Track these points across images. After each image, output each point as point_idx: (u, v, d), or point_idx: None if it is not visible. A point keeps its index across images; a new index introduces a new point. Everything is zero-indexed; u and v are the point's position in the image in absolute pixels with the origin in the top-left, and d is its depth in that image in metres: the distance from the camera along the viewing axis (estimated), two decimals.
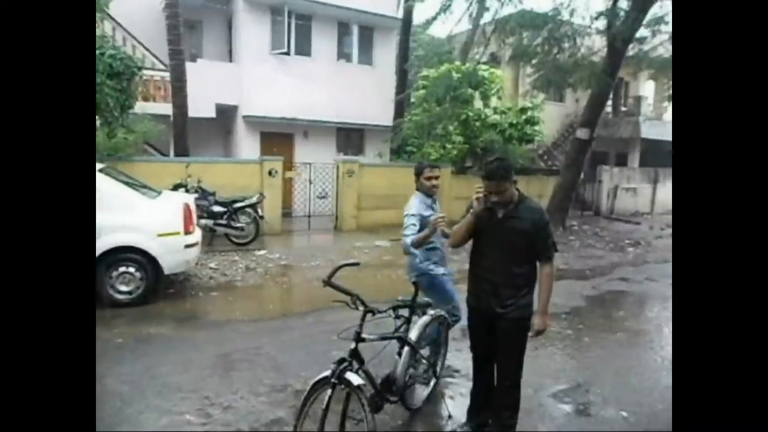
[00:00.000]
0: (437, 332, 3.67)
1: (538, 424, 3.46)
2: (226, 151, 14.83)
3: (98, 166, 5.78)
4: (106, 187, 5.44)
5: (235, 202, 9.08)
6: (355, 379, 2.60)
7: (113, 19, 11.33)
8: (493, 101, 14.15)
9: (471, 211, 2.92)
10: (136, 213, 5.69)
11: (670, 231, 13.37)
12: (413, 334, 3.22)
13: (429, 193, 3.78)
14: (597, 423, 3.52)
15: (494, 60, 16.35)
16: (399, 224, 11.67)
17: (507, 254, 2.87)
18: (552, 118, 17.28)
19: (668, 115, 19.72)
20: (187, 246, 5.99)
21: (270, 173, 10.47)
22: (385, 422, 3.28)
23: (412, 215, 3.59)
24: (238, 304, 6.05)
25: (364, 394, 2.61)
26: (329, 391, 2.57)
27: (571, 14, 11.43)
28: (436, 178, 3.79)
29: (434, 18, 12.46)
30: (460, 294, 3.45)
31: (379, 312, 2.82)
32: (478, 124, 13.64)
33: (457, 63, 13.29)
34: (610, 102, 16.88)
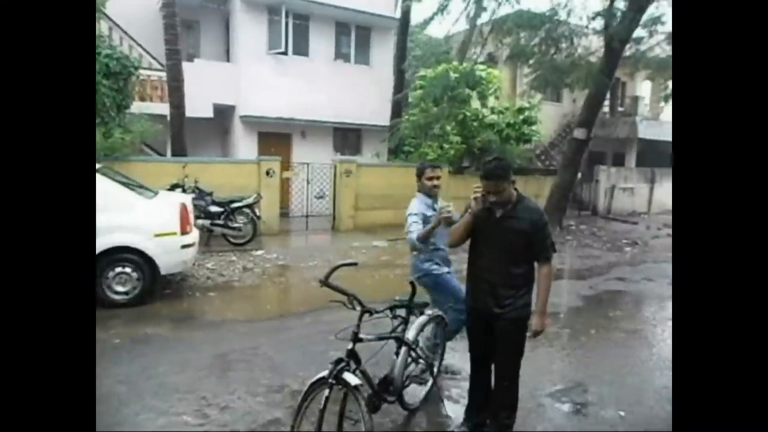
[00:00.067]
0: (440, 336, 3.68)
1: (536, 423, 3.45)
2: (223, 151, 14.80)
3: None
4: (102, 187, 5.42)
5: (232, 202, 9.07)
6: (352, 379, 2.60)
7: (110, 18, 11.29)
8: (491, 101, 14.17)
9: (469, 210, 2.92)
10: (132, 213, 5.67)
11: (667, 231, 13.41)
12: (410, 334, 3.22)
13: (430, 193, 3.79)
14: (594, 423, 3.52)
15: (491, 60, 16.35)
16: (396, 224, 11.68)
17: (505, 254, 2.86)
18: (549, 118, 17.31)
19: (665, 116, 19.76)
20: (184, 246, 5.97)
21: (267, 173, 10.46)
22: (383, 422, 3.27)
23: (414, 214, 3.62)
24: (236, 305, 6.04)
25: (361, 394, 2.60)
26: (326, 392, 2.57)
27: (569, 14, 11.45)
28: (437, 178, 3.80)
29: (432, 18, 12.47)
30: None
31: (377, 312, 2.82)
32: (475, 124, 13.66)
33: (455, 63, 13.29)
34: (607, 102, 16.91)
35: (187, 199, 6.62)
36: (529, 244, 2.84)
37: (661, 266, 9.17)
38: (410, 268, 3.95)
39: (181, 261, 6.05)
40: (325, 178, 11.83)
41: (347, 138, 15.23)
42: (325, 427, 2.59)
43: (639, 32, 11.92)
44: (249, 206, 9.23)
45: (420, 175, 3.83)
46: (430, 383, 3.62)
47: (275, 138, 13.92)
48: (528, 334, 2.92)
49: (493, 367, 3.05)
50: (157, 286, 6.00)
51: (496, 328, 2.91)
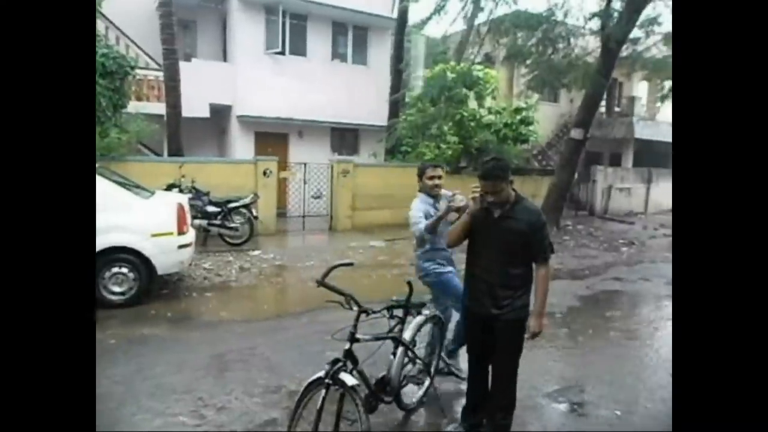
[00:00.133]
0: (437, 336, 3.69)
1: (533, 424, 3.46)
2: (220, 151, 14.78)
3: None
4: (99, 187, 5.38)
5: (229, 202, 9.05)
6: (349, 379, 2.60)
7: (106, 18, 11.26)
8: (488, 101, 14.18)
9: (467, 210, 2.91)
10: (129, 213, 5.66)
11: (663, 231, 13.45)
12: (407, 335, 3.22)
13: (431, 193, 3.78)
14: (591, 422, 3.53)
15: (489, 60, 16.38)
16: (394, 224, 11.64)
17: (503, 255, 2.85)
18: (546, 118, 17.34)
19: (661, 116, 19.83)
20: (181, 246, 5.96)
21: (264, 173, 10.44)
22: (380, 423, 3.27)
23: (417, 213, 3.63)
24: (233, 305, 6.02)
25: (358, 394, 2.60)
26: (323, 392, 2.57)
27: (566, 15, 11.47)
28: (439, 177, 3.79)
29: (429, 18, 12.46)
30: None
31: (374, 312, 2.81)
32: (472, 124, 13.66)
33: (452, 63, 13.30)
34: (603, 102, 16.95)
35: (184, 199, 6.60)
36: (526, 244, 2.83)
37: (657, 266, 9.19)
38: (415, 268, 3.98)
39: (178, 261, 6.04)
40: (323, 178, 11.82)
41: (344, 138, 15.23)
42: (322, 428, 2.59)
43: (636, 33, 11.96)
44: (246, 206, 9.21)
45: (421, 174, 3.83)
46: (427, 383, 3.62)
47: (272, 138, 13.90)
48: (526, 335, 2.91)
49: (490, 367, 3.04)
50: (153, 286, 5.98)
51: (494, 329, 2.90)
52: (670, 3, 11.70)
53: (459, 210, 3.24)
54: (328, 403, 2.58)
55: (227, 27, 14.25)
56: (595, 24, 11.64)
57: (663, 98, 15.23)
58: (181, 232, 5.94)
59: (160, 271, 5.83)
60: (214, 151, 14.60)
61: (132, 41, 12.11)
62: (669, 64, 13.04)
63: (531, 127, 14.36)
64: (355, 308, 2.73)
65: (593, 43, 12.55)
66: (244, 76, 13.15)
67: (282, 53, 13.48)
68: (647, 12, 11.51)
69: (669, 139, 18.75)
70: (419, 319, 3.37)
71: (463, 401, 3.33)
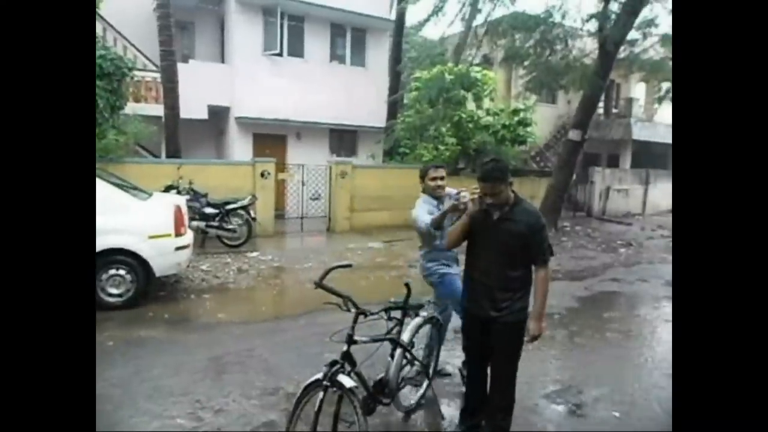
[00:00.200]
0: (435, 338, 3.68)
1: (531, 424, 3.46)
2: (218, 152, 14.77)
3: None
4: (96, 189, 5.39)
5: (227, 203, 9.04)
6: (347, 381, 2.59)
7: (104, 19, 11.26)
8: (486, 103, 14.20)
9: (466, 212, 2.91)
10: (126, 215, 5.64)
11: (661, 232, 13.48)
12: (405, 336, 3.22)
13: (434, 194, 3.76)
14: (589, 423, 3.53)
15: (487, 62, 16.40)
16: (392, 226, 11.64)
17: (502, 257, 2.84)
18: (544, 119, 17.36)
19: (659, 117, 19.88)
20: (179, 248, 5.95)
21: (262, 175, 10.43)
22: (378, 424, 3.26)
23: (420, 212, 3.62)
24: (230, 307, 6.01)
25: (356, 396, 2.60)
26: (321, 394, 2.56)
27: (563, 16, 11.49)
28: (441, 178, 3.76)
29: (427, 20, 12.49)
30: None
31: (371, 314, 2.80)
32: (470, 125, 13.67)
33: (450, 64, 13.32)
34: (601, 104, 16.98)
35: (182, 200, 6.59)
36: (525, 246, 2.81)
37: (655, 267, 9.21)
38: (419, 268, 4.00)
39: (176, 263, 6.02)
40: (321, 179, 11.82)
41: (343, 139, 15.23)
42: (320, 430, 2.58)
43: (633, 34, 11.99)
44: (244, 208, 9.20)
45: (423, 176, 3.82)
46: (425, 385, 3.62)
47: (270, 139, 13.89)
48: (525, 338, 2.90)
49: (489, 369, 3.04)
50: (151, 288, 5.96)
51: (493, 331, 2.89)
52: (667, 5, 11.76)
53: (456, 209, 3.19)
54: (326, 405, 2.57)
55: (225, 28, 14.26)
56: (593, 26, 11.67)
57: (660, 100, 15.27)
58: (178, 234, 5.93)
59: (157, 273, 5.82)
60: (212, 153, 14.59)
61: (130, 42, 12.11)
62: (666, 66, 13.09)
63: (529, 129, 14.37)
64: (353, 310, 2.73)
65: (591, 45, 12.58)
66: (242, 78, 13.15)
67: (280, 55, 13.49)
68: (644, 14, 11.56)
69: (666, 140, 18.83)
70: (417, 320, 3.36)
71: (461, 402, 3.33)
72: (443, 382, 3.98)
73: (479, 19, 12.28)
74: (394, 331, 3.18)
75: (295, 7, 13.47)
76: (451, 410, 3.57)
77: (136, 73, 10.58)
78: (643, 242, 12.00)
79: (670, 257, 10.05)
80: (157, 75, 11.46)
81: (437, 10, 11.98)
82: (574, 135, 12.10)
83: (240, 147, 13.46)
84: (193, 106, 12.08)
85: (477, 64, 14.10)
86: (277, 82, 13.35)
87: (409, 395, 3.53)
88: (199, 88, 12.32)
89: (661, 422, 3.59)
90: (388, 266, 8.22)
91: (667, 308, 6.55)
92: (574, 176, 14.07)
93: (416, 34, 19.03)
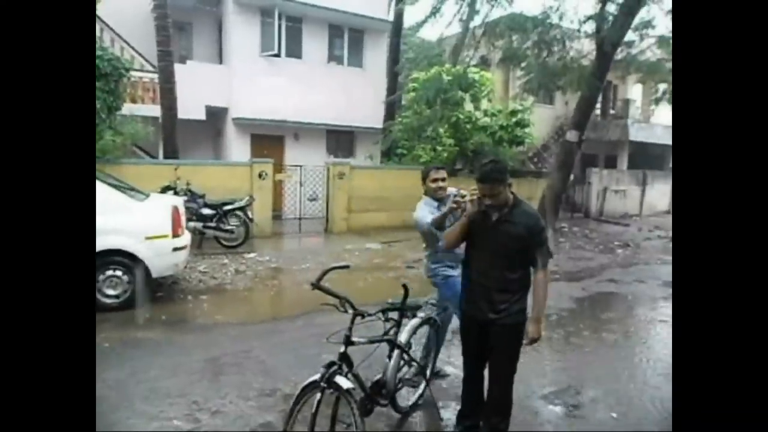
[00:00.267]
0: (432, 339, 3.68)
1: (529, 425, 3.45)
2: (215, 153, 14.75)
3: None
4: None
5: (224, 204, 9.02)
6: (344, 382, 2.58)
7: (101, 19, 11.22)
8: (484, 104, 14.22)
9: (464, 213, 2.89)
10: (123, 216, 5.62)
11: (658, 233, 13.51)
12: (403, 337, 3.21)
13: (436, 196, 3.71)
14: (587, 424, 3.53)
15: (484, 63, 16.41)
16: (390, 227, 11.64)
17: (500, 259, 2.82)
18: (542, 120, 17.39)
19: (656, 118, 19.93)
20: (176, 249, 5.93)
21: (260, 175, 10.42)
22: (375, 426, 3.26)
23: (421, 213, 3.61)
24: (228, 308, 6.00)
25: (353, 397, 2.59)
26: (318, 395, 2.55)
27: (560, 18, 11.49)
28: (443, 180, 3.71)
29: (425, 21, 12.48)
30: None
31: (369, 315, 2.80)
32: (468, 126, 13.69)
33: (448, 65, 13.32)
34: (599, 105, 17.00)
35: (179, 201, 6.58)
36: (524, 249, 2.79)
37: (652, 268, 9.24)
38: (423, 268, 4.01)
39: (173, 264, 6.01)
40: (318, 180, 11.81)
41: (340, 140, 15.22)
42: (317, 431, 2.58)
43: (630, 36, 12.00)
44: (241, 209, 9.19)
45: (425, 178, 3.77)
46: (422, 386, 3.61)
47: (268, 140, 13.88)
48: (525, 341, 2.89)
49: (486, 371, 3.03)
50: (148, 289, 5.95)
51: (491, 334, 2.88)
52: (664, 6, 11.79)
53: (455, 209, 3.17)
54: (324, 407, 2.56)
55: (223, 29, 14.25)
56: (590, 27, 11.67)
57: (657, 101, 15.28)
58: (176, 235, 5.91)
59: (154, 274, 5.80)
60: (209, 154, 14.57)
61: (127, 43, 12.09)
62: (663, 67, 13.11)
63: (526, 130, 14.40)
64: (351, 311, 2.72)
65: (588, 46, 12.59)
66: (240, 79, 13.14)
67: (278, 55, 13.47)
68: (641, 15, 11.56)
69: (663, 141, 18.88)
70: (415, 321, 3.36)
71: (458, 403, 3.32)
72: (440, 383, 3.98)
73: (477, 21, 12.26)
74: (392, 332, 3.17)
75: (292, 8, 13.47)
76: (448, 411, 3.56)
77: (134, 73, 10.57)
78: (641, 243, 12.04)
79: (667, 258, 10.08)
80: (155, 75, 11.44)
81: (435, 11, 11.97)
82: (571, 136, 12.11)
83: (237, 148, 13.45)
84: (190, 107, 12.06)
85: (475, 65, 14.09)
86: (275, 82, 13.34)
87: (407, 396, 3.53)
88: (197, 88, 12.30)
89: (658, 423, 3.60)
90: (386, 267, 8.21)
91: (663, 309, 6.56)
92: (572, 177, 14.09)
93: (414, 35, 19.02)
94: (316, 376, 2.59)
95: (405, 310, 3.20)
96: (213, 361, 4.36)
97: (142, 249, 5.63)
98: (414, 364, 3.43)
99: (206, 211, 8.86)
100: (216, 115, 13.86)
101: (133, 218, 5.69)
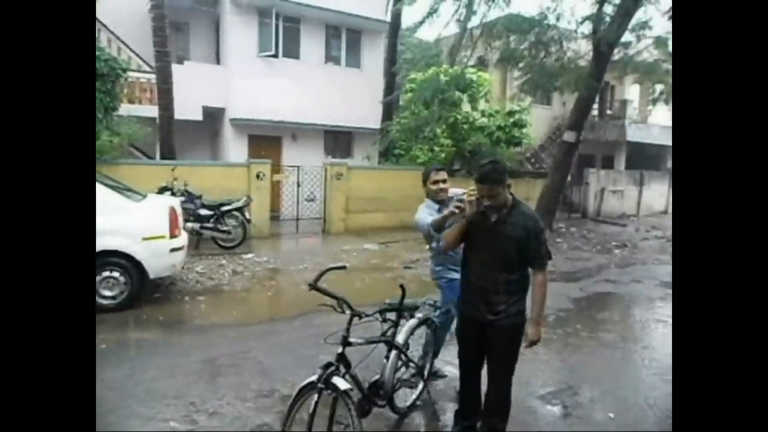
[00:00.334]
0: (432, 341, 3.67)
1: (526, 425, 3.45)
2: (213, 153, 14.72)
3: None
4: None
5: (222, 205, 9.01)
6: (342, 383, 2.58)
7: (98, 20, 11.19)
8: (481, 104, 14.23)
9: (463, 214, 2.89)
10: (120, 216, 5.61)
11: (655, 233, 13.54)
12: (400, 338, 3.21)
13: (436, 198, 3.67)
14: (585, 424, 3.53)
15: (482, 63, 16.42)
16: (387, 227, 11.64)
17: (499, 260, 2.81)
18: (539, 121, 17.42)
19: (653, 119, 19.97)
20: (173, 250, 5.92)
21: (258, 176, 10.40)
22: (373, 426, 3.25)
23: (422, 215, 3.57)
24: (225, 309, 5.99)
25: (351, 398, 2.59)
26: (316, 396, 2.55)
27: (558, 18, 11.52)
28: (443, 181, 3.67)
29: (422, 21, 12.49)
30: None
31: (366, 315, 2.80)
32: (465, 127, 13.71)
33: (445, 66, 13.34)
34: (596, 105, 17.03)
35: (176, 202, 6.56)
36: (523, 250, 2.77)
37: (649, 268, 9.25)
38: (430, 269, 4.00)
39: (170, 265, 6.00)
40: (316, 181, 11.80)
41: (338, 141, 15.22)
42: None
43: (627, 37, 12.04)
44: (239, 209, 9.17)
45: (425, 180, 3.73)
46: (420, 387, 3.61)
47: (265, 141, 13.87)
48: (524, 343, 2.88)
49: (485, 372, 3.03)
50: (145, 290, 5.94)
51: (490, 335, 2.87)
52: (661, 7, 11.83)
53: (455, 213, 3.16)
54: (321, 408, 2.56)
55: (220, 29, 14.23)
56: (587, 28, 11.71)
57: (654, 101, 15.31)
58: (173, 236, 5.90)
59: (151, 275, 5.79)
60: (207, 154, 14.54)
61: (124, 43, 12.05)
62: (660, 68, 13.15)
63: (524, 130, 14.42)
64: (348, 312, 2.72)
65: (585, 47, 12.62)
66: (237, 79, 13.12)
67: (275, 56, 13.46)
68: (638, 16, 11.60)
69: (660, 141, 18.93)
70: (412, 322, 3.36)
71: (456, 404, 3.32)
72: (438, 384, 3.98)
73: (474, 21, 12.29)
74: (389, 332, 3.17)
75: (290, 9, 13.46)
76: (446, 412, 3.56)
77: (131, 74, 10.55)
78: (638, 243, 12.06)
79: (664, 258, 10.11)
80: (152, 76, 11.41)
81: (432, 12, 11.99)
82: (568, 136, 12.14)
83: (235, 148, 13.43)
84: (187, 108, 12.05)
85: (472, 66, 14.11)
86: (273, 83, 13.32)
87: (404, 397, 3.53)
88: (194, 89, 12.29)
89: (656, 422, 3.60)
90: (384, 268, 8.21)
91: (661, 309, 6.58)
92: (569, 178, 14.12)
93: (411, 35, 19.04)
94: (314, 377, 2.59)
95: (402, 310, 3.20)
96: (210, 362, 4.35)
97: (139, 250, 5.62)
98: (412, 364, 3.43)
99: (203, 211, 8.84)
100: (213, 116, 13.84)
101: (130, 219, 5.68)
